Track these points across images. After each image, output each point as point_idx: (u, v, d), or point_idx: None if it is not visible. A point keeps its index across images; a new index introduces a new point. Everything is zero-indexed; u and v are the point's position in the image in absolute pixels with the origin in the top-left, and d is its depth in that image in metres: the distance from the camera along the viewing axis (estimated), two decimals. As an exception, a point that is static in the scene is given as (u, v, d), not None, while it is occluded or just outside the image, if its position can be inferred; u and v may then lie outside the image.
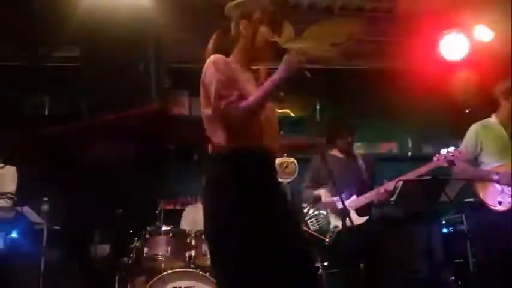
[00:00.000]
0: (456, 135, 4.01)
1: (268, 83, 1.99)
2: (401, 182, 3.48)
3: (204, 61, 2.09)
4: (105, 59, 3.84)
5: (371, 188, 3.64)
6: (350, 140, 3.74)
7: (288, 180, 4.94)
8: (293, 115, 5.32)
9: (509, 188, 3.39)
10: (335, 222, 3.51)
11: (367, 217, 3.54)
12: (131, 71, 3.94)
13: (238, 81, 2.03)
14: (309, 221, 3.62)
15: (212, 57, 2.07)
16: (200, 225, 4.26)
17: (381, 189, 3.56)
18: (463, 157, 3.52)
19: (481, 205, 3.56)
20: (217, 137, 2.02)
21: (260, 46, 2.12)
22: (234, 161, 2.00)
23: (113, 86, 3.89)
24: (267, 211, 1.96)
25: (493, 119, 3.66)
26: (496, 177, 3.44)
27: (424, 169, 3.57)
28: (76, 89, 4.63)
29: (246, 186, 1.97)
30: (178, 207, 5.10)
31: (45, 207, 3.94)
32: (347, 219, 3.20)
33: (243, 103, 1.95)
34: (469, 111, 4.98)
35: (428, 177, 3.51)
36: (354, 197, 3.58)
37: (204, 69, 2.06)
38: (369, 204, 3.59)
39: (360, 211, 3.56)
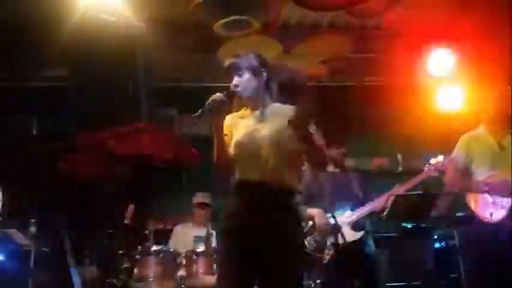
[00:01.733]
0: (445, 149, 4.02)
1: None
2: (393, 197, 3.47)
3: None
4: (94, 78, 3.82)
5: (364, 202, 3.61)
6: (343, 151, 3.71)
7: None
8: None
9: (501, 199, 3.36)
10: (332, 240, 3.45)
11: (363, 232, 3.51)
12: (120, 90, 3.91)
13: (231, 133, 2.45)
14: (305, 240, 3.57)
15: None
16: (190, 244, 4.24)
17: (375, 202, 3.54)
18: (454, 165, 3.50)
19: (472, 219, 3.54)
20: None
21: None
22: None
23: (101, 105, 3.86)
24: (234, 238, 2.31)
25: (481, 129, 3.64)
26: (486, 188, 3.43)
27: (416, 180, 3.57)
28: (64, 108, 4.60)
29: (225, 217, 2.40)
30: (168, 227, 5.04)
31: (32, 228, 3.87)
32: (339, 235, 3.19)
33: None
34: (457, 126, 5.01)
35: (420, 192, 3.51)
36: (349, 211, 3.55)
37: None
38: (364, 219, 3.56)
39: (355, 226, 3.53)
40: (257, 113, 2.46)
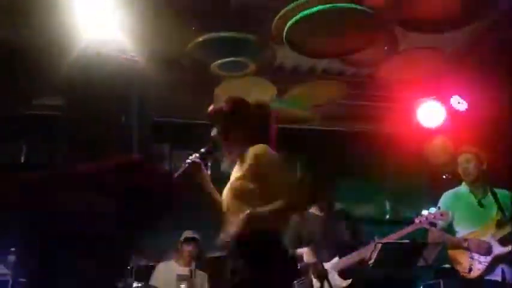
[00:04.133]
0: (433, 200, 4.05)
1: None
2: (380, 244, 3.45)
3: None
4: (87, 110, 3.82)
5: (353, 249, 3.57)
6: (332, 197, 3.72)
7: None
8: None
9: (479, 256, 3.41)
10: (318, 285, 3.39)
11: (350, 280, 3.45)
12: (113, 123, 3.92)
13: None
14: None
15: None
16: (172, 282, 4.15)
17: (363, 250, 3.51)
18: (446, 219, 3.55)
19: (457, 272, 3.57)
20: None
21: None
22: None
23: (93, 137, 3.85)
24: None
25: (463, 187, 3.74)
26: (465, 244, 3.48)
27: (406, 231, 3.57)
28: (55, 138, 4.58)
29: None
30: (150, 264, 4.94)
31: (11, 257, 3.77)
32: (326, 282, 3.15)
33: None
34: (446, 177, 5.06)
35: (407, 241, 3.50)
36: (337, 258, 3.50)
37: None
38: (352, 266, 3.52)
39: (342, 273, 3.48)
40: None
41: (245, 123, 2.45)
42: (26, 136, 5.08)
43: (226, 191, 2.43)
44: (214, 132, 2.49)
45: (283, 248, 2.34)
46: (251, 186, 2.31)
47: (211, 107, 2.55)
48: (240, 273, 2.23)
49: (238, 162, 2.47)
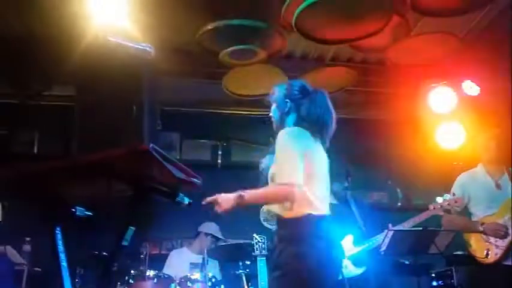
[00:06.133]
0: (444, 186, 4.03)
1: None
2: (392, 231, 3.45)
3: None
4: (99, 99, 3.82)
5: (366, 236, 3.57)
6: (347, 185, 3.70)
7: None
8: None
9: (496, 239, 3.37)
10: None
11: (365, 267, 3.46)
12: (124, 112, 3.92)
13: None
14: None
15: None
16: (185, 270, 4.17)
17: (376, 238, 3.50)
18: (460, 205, 3.52)
19: (471, 258, 3.54)
20: None
21: None
22: None
23: (104, 126, 3.85)
24: None
25: (479, 169, 3.69)
26: (481, 228, 3.45)
27: (420, 218, 3.55)
28: (67, 127, 4.59)
29: None
30: (163, 252, 4.98)
31: (27, 247, 3.82)
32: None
33: None
34: (457, 164, 5.02)
35: (420, 228, 3.49)
36: (350, 246, 3.51)
37: None
38: (365, 254, 3.52)
39: (356, 261, 3.48)
40: None
41: (301, 107, 2.46)
42: (38, 126, 5.11)
43: None
44: (272, 113, 2.51)
45: (326, 234, 2.33)
46: (272, 170, 2.35)
47: (274, 87, 2.56)
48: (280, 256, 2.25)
49: None
